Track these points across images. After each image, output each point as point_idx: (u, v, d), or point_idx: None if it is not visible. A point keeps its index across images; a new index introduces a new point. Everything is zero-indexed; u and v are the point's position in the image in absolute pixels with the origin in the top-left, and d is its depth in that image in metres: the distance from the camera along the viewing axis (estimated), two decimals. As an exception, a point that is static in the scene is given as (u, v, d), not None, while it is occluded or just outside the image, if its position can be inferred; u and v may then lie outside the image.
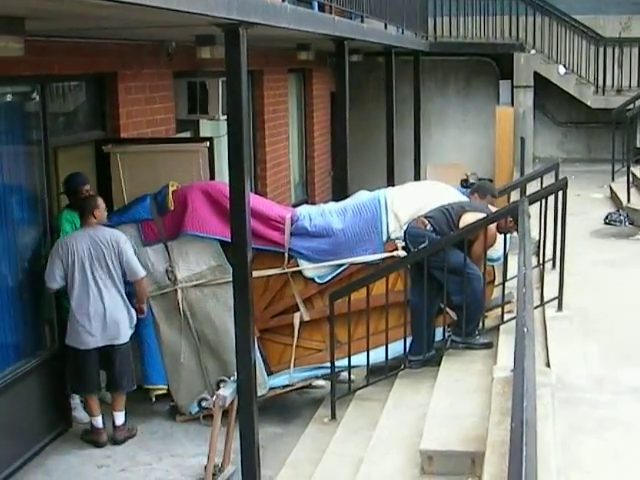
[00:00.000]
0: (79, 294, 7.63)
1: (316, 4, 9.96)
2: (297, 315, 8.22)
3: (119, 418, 7.97)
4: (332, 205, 8.62)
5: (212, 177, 8.97)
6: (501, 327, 7.54)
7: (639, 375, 6.00)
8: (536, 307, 7.30)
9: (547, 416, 5.20)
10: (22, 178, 7.65)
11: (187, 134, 10.90)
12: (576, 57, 17.22)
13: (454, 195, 8.41)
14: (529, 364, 3.47)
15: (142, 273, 7.89)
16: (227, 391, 6.88)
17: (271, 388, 8.28)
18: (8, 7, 5.02)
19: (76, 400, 8.33)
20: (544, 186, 9.05)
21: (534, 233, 8.65)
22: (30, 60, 6.85)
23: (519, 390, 3.18)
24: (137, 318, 8.11)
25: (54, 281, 7.62)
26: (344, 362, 7.76)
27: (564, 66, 17.25)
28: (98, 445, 7.84)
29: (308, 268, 8.16)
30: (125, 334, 7.82)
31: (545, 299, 7.58)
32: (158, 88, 9.88)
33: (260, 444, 6.91)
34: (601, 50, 17.02)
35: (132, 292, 8.05)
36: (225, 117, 6.81)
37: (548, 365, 6.27)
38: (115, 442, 7.91)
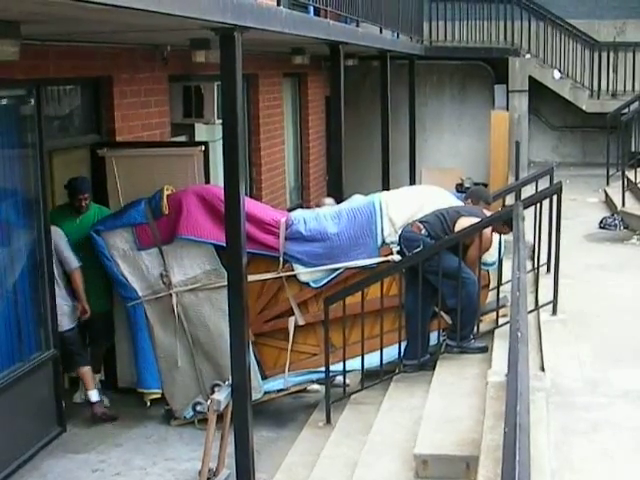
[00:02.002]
0: None
1: (312, 8, 9.98)
2: (292, 319, 8.21)
3: (93, 396, 8.37)
4: (327, 209, 8.62)
5: (207, 181, 8.97)
6: (496, 331, 7.54)
7: (631, 378, 6.02)
8: (531, 311, 7.32)
9: (541, 419, 5.21)
10: (17, 181, 7.64)
11: (182, 138, 10.90)
12: (571, 61, 17.28)
13: (449, 200, 8.41)
14: (523, 368, 3.47)
15: (74, 264, 8.22)
16: (222, 395, 6.87)
17: (266, 392, 8.28)
18: (3, 11, 5.03)
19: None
20: (539, 190, 9.07)
21: (529, 237, 8.67)
22: (25, 64, 6.86)
23: (512, 394, 3.18)
24: (131, 321, 8.34)
25: None
26: (339, 366, 7.76)
27: (559, 70, 17.30)
28: (96, 418, 8.28)
29: (303, 272, 8.15)
30: (64, 323, 8.19)
31: (540, 303, 7.59)
32: (153, 92, 9.88)
33: (255, 448, 6.90)
34: (596, 54, 17.08)
35: (128, 296, 8.23)
36: (220, 121, 6.82)
37: (542, 369, 6.27)
38: (94, 418, 8.32)
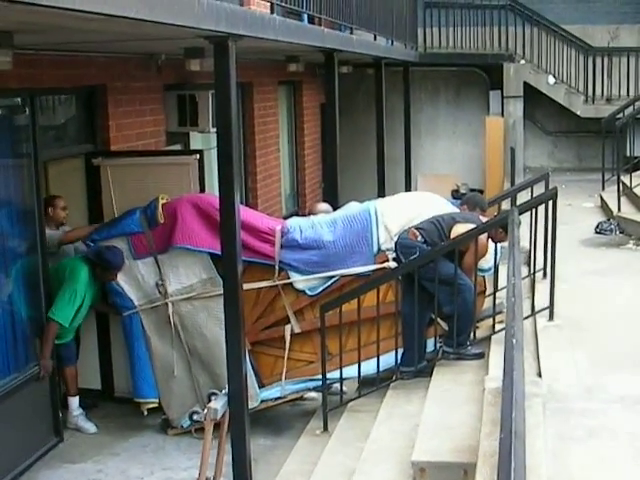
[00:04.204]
0: None
1: (305, 16, 9.97)
2: (288, 327, 8.20)
3: None
4: (322, 217, 8.61)
5: (202, 189, 8.96)
6: (492, 337, 7.53)
7: (628, 383, 6.01)
8: (527, 317, 7.31)
9: (538, 425, 5.20)
10: (12, 191, 7.62)
11: (177, 147, 10.89)
12: (565, 67, 17.30)
13: (444, 206, 8.42)
14: (518, 375, 3.46)
15: None
16: (218, 404, 6.85)
17: (263, 400, 8.26)
18: (-4, 21, 5.03)
19: (76, 412, 8.43)
20: (534, 196, 9.07)
21: (525, 243, 8.67)
22: (19, 73, 6.86)
23: (508, 401, 3.18)
24: (127, 331, 8.37)
25: None
26: (336, 374, 7.75)
27: (553, 76, 17.32)
28: None
29: (299, 280, 8.14)
30: None
31: (536, 309, 7.58)
32: (148, 101, 9.88)
33: (252, 457, 6.90)
34: (590, 60, 17.11)
35: (124, 305, 8.12)
36: (215, 129, 6.83)
37: (539, 375, 6.27)
38: None
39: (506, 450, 2.76)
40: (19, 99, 7.70)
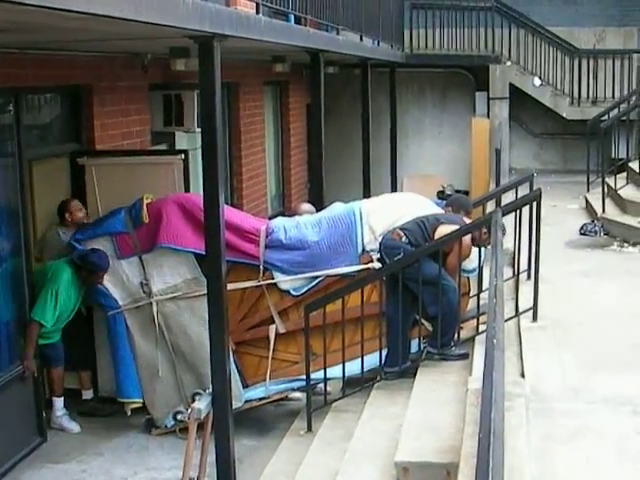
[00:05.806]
0: None
1: (292, 17, 9.97)
2: (272, 327, 8.20)
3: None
4: (307, 217, 8.61)
5: (187, 189, 8.96)
6: (476, 338, 7.54)
7: (612, 384, 6.03)
8: (511, 318, 7.34)
9: (521, 426, 5.20)
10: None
11: (163, 146, 10.88)
12: (551, 69, 17.36)
13: (429, 207, 8.43)
14: (498, 375, 3.47)
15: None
16: (202, 404, 6.85)
17: (247, 401, 8.26)
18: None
19: (60, 412, 8.40)
20: (519, 197, 9.09)
21: (509, 244, 8.69)
22: (3, 72, 6.84)
23: (487, 401, 3.18)
24: (111, 331, 8.33)
25: None
26: (320, 374, 7.76)
27: (539, 78, 17.37)
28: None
29: (283, 280, 8.14)
30: None
31: (520, 310, 7.60)
32: (133, 100, 9.86)
33: (236, 457, 6.89)
34: (576, 62, 17.18)
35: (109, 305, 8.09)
36: (200, 129, 6.82)
37: (523, 375, 6.28)
38: None
39: (484, 450, 2.76)
40: (3, 98, 7.66)
